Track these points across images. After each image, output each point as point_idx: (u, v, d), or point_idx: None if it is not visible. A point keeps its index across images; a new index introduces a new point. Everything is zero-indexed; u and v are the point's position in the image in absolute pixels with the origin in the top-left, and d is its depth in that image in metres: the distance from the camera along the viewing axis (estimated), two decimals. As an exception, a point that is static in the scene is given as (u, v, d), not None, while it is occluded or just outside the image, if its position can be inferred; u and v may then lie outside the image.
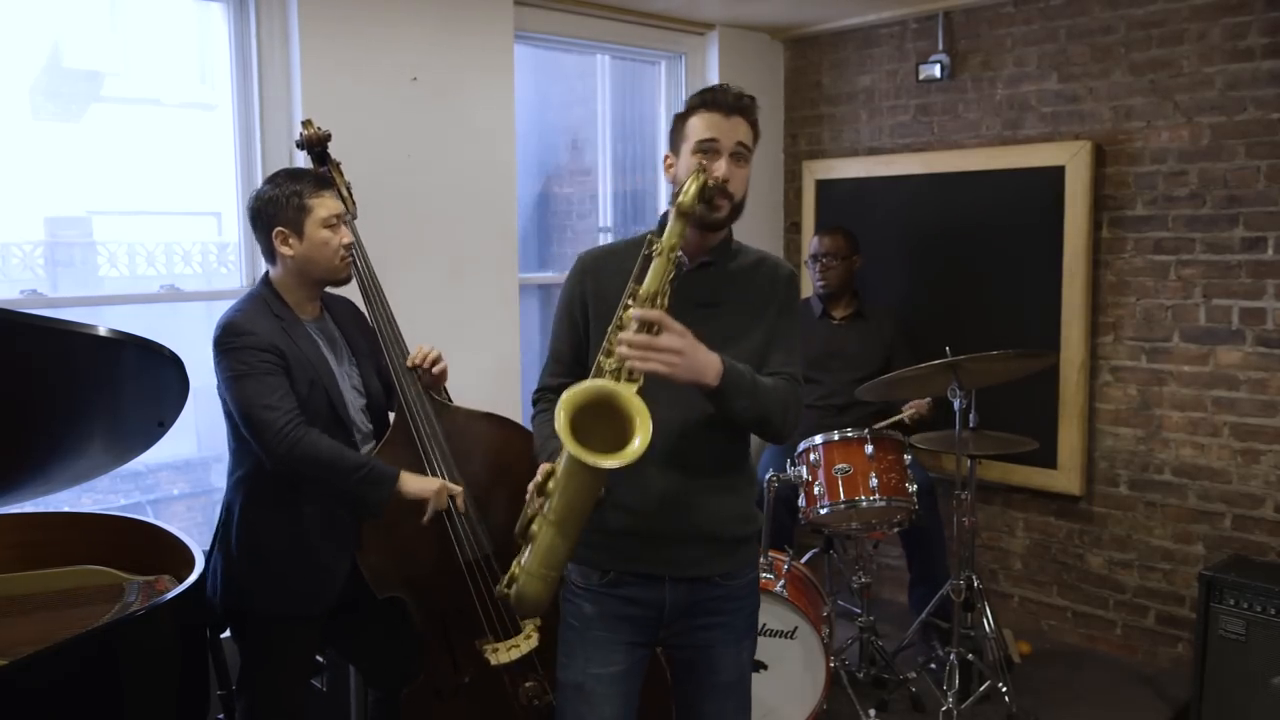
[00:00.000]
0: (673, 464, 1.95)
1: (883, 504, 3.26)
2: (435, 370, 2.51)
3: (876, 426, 3.47)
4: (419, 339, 2.62)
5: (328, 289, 2.48)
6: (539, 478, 1.83)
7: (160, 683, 2.20)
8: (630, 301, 1.84)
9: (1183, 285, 3.61)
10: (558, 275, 4.21)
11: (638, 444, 1.72)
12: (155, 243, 3.31)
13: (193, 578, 2.25)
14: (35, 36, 3.03)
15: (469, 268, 3.61)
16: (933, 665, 3.54)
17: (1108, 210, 3.76)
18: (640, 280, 1.85)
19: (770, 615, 3.04)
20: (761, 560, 3.20)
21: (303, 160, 2.81)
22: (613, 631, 2.01)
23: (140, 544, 2.55)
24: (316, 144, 2.62)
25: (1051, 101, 3.87)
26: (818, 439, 3.39)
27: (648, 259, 1.85)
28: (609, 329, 1.86)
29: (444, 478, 2.45)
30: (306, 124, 2.62)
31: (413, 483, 2.37)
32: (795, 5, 4.15)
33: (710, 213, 1.92)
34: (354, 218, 2.60)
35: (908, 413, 3.67)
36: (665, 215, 1.98)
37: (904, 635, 3.80)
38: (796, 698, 3.06)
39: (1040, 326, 3.87)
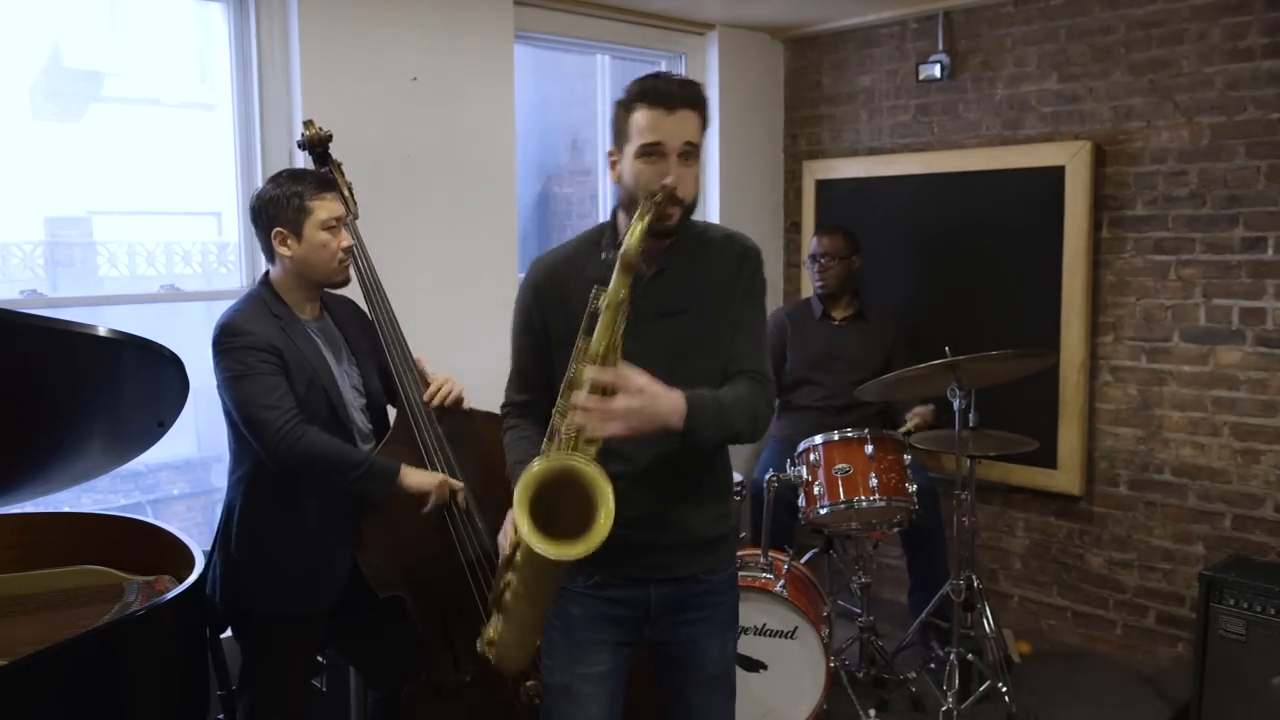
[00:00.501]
0: (652, 480, 1.92)
1: (883, 504, 3.26)
2: (449, 404, 2.54)
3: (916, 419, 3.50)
4: (419, 339, 2.62)
5: (327, 290, 2.49)
6: (507, 549, 1.81)
7: (160, 683, 2.19)
8: (573, 365, 1.76)
9: (1183, 285, 3.61)
10: (558, 275, 4.20)
11: (601, 523, 1.65)
12: (155, 243, 3.31)
13: (193, 578, 2.25)
14: (35, 36, 3.03)
15: (469, 268, 3.61)
16: (933, 665, 3.54)
17: (1108, 210, 3.76)
18: (590, 333, 1.75)
19: (770, 615, 3.04)
20: (761, 560, 3.20)
21: (303, 160, 2.81)
22: (598, 632, 2.00)
23: (140, 544, 2.55)
24: (318, 144, 2.62)
25: (1051, 101, 3.87)
26: (818, 439, 3.39)
27: (594, 315, 1.74)
28: (561, 386, 1.79)
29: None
30: (308, 124, 2.62)
31: (414, 476, 2.37)
32: (795, 5, 4.15)
33: (662, 222, 1.80)
34: (355, 218, 2.60)
35: (912, 423, 3.68)
36: (615, 214, 1.95)
37: (904, 635, 3.80)
38: (796, 698, 3.06)
39: (1040, 326, 3.87)
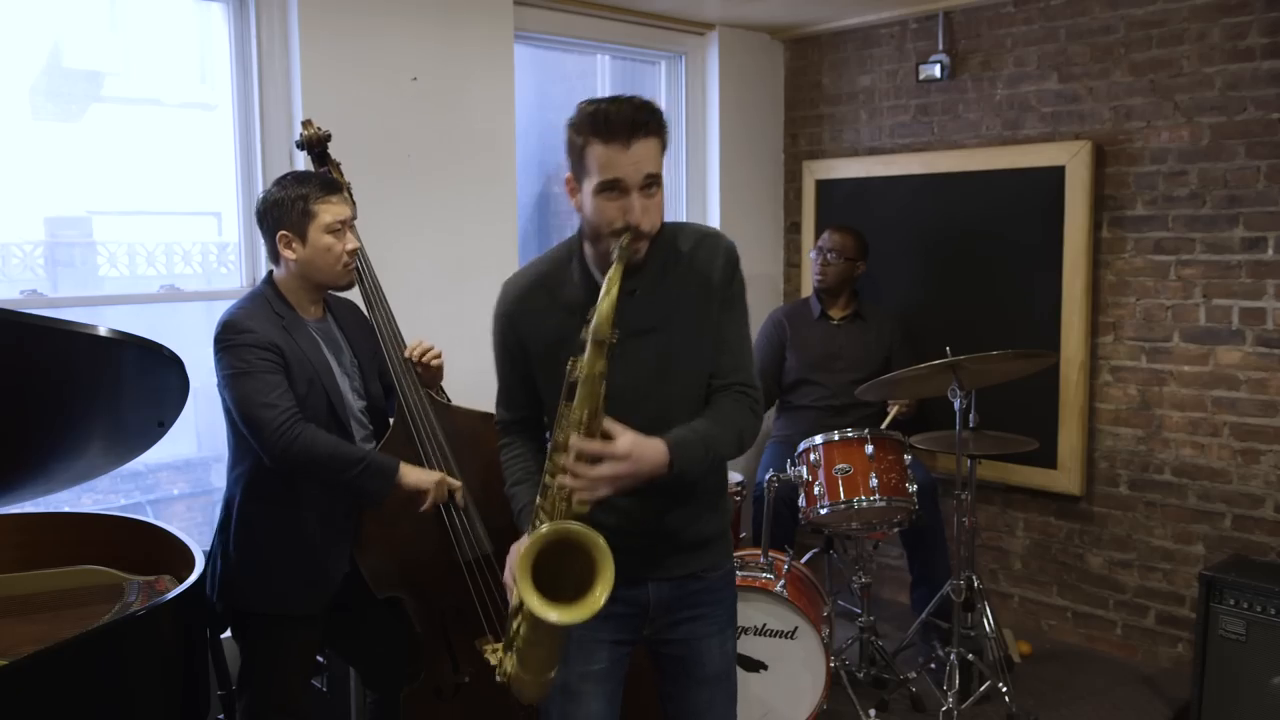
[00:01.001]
0: (649, 487, 1.90)
1: (883, 504, 3.26)
2: (432, 365, 2.52)
3: (881, 427, 3.49)
4: (419, 338, 2.62)
5: (330, 292, 2.49)
6: (514, 600, 1.83)
7: (160, 683, 2.19)
8: (558, 429, 1.77)
9: (1183, 285, 3.61)
10: (558, 275, 4.20)
11: (599, 594, 1.71)
12: (155, 243, 3.30)
13: (193, 578, 2.25)
14: (35, 36, 3.03)
15: (469, 268, 3.60)
16: (933, 665, 3.54)
17: (1108, 210, 3.76)
18: (571, 397, 1.74)
19: (770, 615, 3.04)
20: (761, 560, 3.20)
21: (303, 160, 2.81)
22: (596, 630, 1.99)
23: (140, 544, 2.55)
24: (316, 144, 2.62)
25: (1051, 101, 3.87)
26: (818, 439, 3.39)
27: (572, 386, 1.73)
28: (549, 447, 1.81)
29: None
30: (306, 124, 2.62)
31: (413, 474, 2.38)
32: (795, 5, 4.15)
33: (633, 256, 1.77)
34: (354, 218, 2.60)
35: (895, 411, 3.72)
36: (580, 239, 1.92)
37: (904, 635, 3.80)
38: (796, 698, 3.06)
39: (1040, 326, 3.87)
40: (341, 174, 2.64)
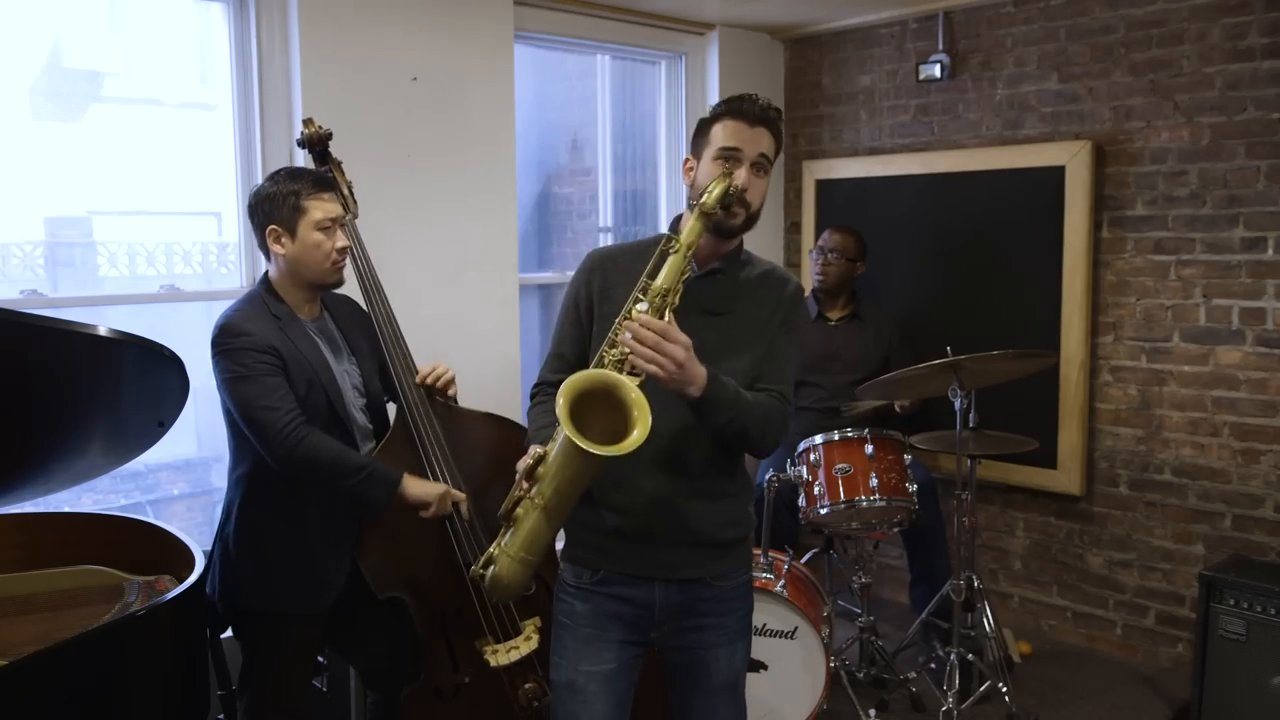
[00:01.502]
0: (664, 469, 1.96)
1: (883, 504, 3.27)
2: (449, 392, 2.53)
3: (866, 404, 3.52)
4: (419, 339, 2.62)
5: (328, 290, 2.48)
6: (529, 460, 1.84)
7: (160, 683, 2.19)
8: (641, 295, 1.86)
9: (1183, 285, 3.61)
10: (558, 275, 4.21)
11: (636, 435, 1.73)
12: (155, 243, 3.30)
13: (193, 578, 2.25)
14: (35, 36, 3.03)
15: (469, 268, 3.61)
16: (933, 665, 3.54)
17: (1108, 210, 3.76)
18: (655, 275, 1.86)
19: (770, 615, 3.04)
20: (761, 560, 3.20)
21: (303, 159, 2.81)
22: (603, 629, 2.02)
23: (140, 544, 2.54)
24: (318, 143, 2.62)
25: (1051, 101, 3.87)
26: (818, 439, 3.40)
27: (664, 255, 1.87)
28: (615, 321, 1.87)
29: (445, 478, 2.46)
30: (308, 123, 2.62)
31: (416, 487, 2.37)
32: (795, 5, 4.15)
33: (727, 219, 1.93)
34: (355, 217, 2.60)
35: (863, 404, 3.72)
36: (678, 219, 2.00)
37: (904, 635, 3.80)
38: (796, 698, 3.06)
39: (1040, 326, 3.87)
40: (343, 173, 2.64)
